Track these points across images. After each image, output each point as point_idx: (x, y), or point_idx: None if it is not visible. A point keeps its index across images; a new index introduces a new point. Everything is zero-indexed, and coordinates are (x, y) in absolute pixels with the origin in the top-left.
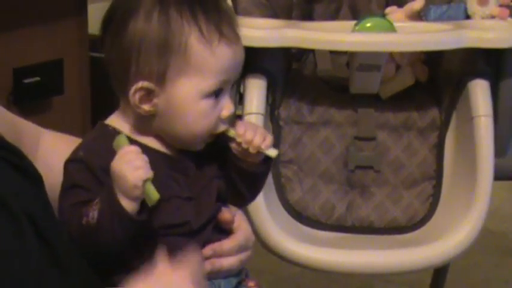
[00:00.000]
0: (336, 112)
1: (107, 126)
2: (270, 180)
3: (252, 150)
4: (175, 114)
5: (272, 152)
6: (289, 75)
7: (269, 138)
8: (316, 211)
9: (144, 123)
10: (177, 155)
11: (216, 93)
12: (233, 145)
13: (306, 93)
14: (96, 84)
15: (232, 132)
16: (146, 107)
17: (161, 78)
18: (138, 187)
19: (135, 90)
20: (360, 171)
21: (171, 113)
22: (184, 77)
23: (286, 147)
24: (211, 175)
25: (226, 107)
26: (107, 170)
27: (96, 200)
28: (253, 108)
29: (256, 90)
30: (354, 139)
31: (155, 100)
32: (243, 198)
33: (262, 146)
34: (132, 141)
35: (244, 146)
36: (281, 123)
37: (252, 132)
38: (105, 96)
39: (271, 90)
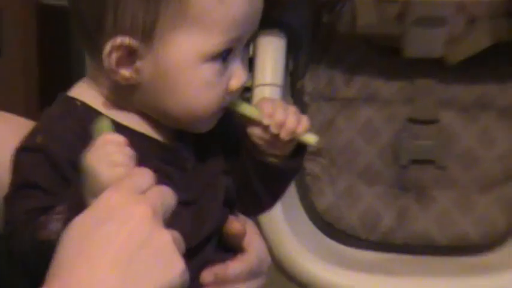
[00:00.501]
0: (383, 84)
1: (73, 100)
2: None
3: (284, 136)
4: (166, 84)
5: (311, 139)
6: (318, 32)
7: (305, 120)
8: (354, 222)
9: (123, 96)
10: (171, 141)
11: (224, 56)
12: (254, 130)
13: (340, 58)
14: (45, 43)
15: (251, 111)
16: (126, 72)
17: (148, 34)
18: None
19: (111, 49)
20: (415, 168)
21: (161, 82)
22: (180, 33)
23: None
24: (216, 170)
25: (238, 75)
26: (76, 165)
27: (60, 207)
28: (267, 77)
29: (271, 52)
30: (407, 122)
31: (138, 64)
32: (258, 204)
33: (298, 131)
34: (117, 125)
35: (274, 130)
36: (306, 99)
37: (283, 112)
38: (57, 58)
39: (292, 52)
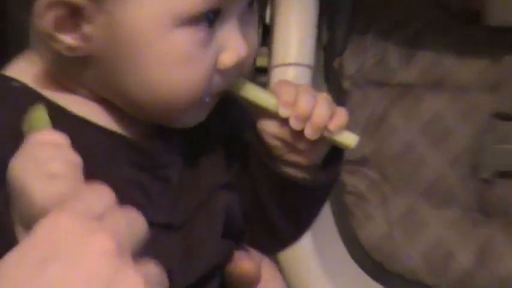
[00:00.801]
0: (457, 64)
1: (9, 80)
2: None
3: (310, 133)
4: (123, 57)
5: (349, 140)
6: None
7: (342, 113)
8: (416, 262)
9: (70, 73)
10: (146, 138)
11: (210, 18)
12: (267, 125)
13: (396, 26)
14: None
15: (263, 98)
16: (68, 39)
17: None
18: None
19: (47, 6)
20: (503, 183)
21: (117, 54)
22: None
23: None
24: (213, 182)
25: (232, 47)
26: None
27: None
28: (291, 54)
29: (296, 17)
30: (491, 118)
31: (86, 28)
32: (277, 236)
33: (331, 127)
34: (65, 115)
35: (296, 125)
36: (346, 84)
37: (309, 100)
38: None
39: (326, 19)
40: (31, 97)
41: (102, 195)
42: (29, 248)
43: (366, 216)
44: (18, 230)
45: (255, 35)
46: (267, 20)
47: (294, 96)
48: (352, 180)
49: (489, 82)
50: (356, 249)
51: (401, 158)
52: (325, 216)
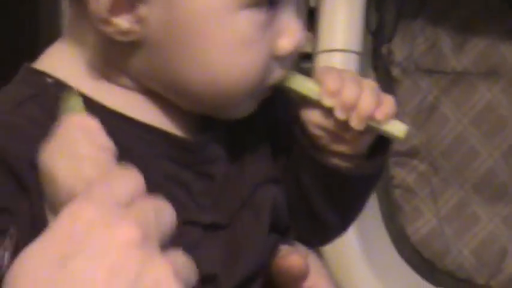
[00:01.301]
0: None
1: (42, 76)
2: None
3: (356, 123)
4: (182, 41)
5: (398, 130)
6: None
7: (389, 101)
8: (467, 260)
9: (117, 62)
10: (189, 133)
11: (271, 1)
12: (311, 114)
13: (448, 11)
14: None
15: (307, 86)
16: (123, 22)
17: None
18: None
19: None
20: None
21: (174, 38)
22: None
23: (405, 121)
24: (259, 178)
25: (290, 32)
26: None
27: (12, 229)
28: (338, 39)
29: (344, 1)
30: None
31: (143, 9)
32: (322, 228)
33: (378, 117)
34: (103, 111)
35: (341, 115)
36: (395, 72)
37: (355, 88)
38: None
39: (374, 2)
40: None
41: (130, 180)
42: (49, 242)
43: (414, 210)
44: (50, 217)
45: (305, 20)
46: (312, 3)
47: (338, 84)
48: (400, 172)
49: None
50: (404, 245)
51: (453, 149)
52: (372, 211)
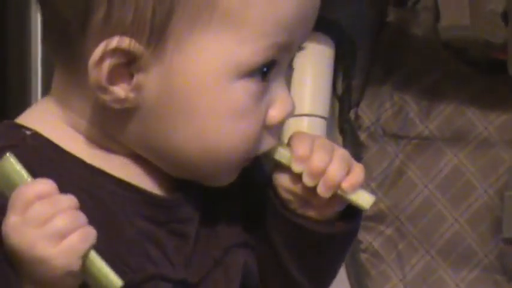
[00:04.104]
0: (479, 117)
1: (20, 128)
2: None
3: (323, 192)
4: (178, 110)
5: (364, 201)
6: (381, 38)
7: (358, 171)
8: None
9: (109, 128)
10: (165, 191)
11: (264, 72)
12: (281, 178)
13: (415, 77)
14: None
15: (279, 152)
16: (121, 90)
17: (158, 34)
18: (73, 272)
19: (103, 55)
20: None
21: (170, 107)
22: (206, 34)
23: (371, 186)
24: (231, 240)
25: (281, 103)
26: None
27: None
28: (306, 104)
29: (312, 66)
30: None
31: (140, 77)
32: None
33: (345, 186)
34: (71, 159)
35: (308, 182)
36: (362, 136)
37: (325, 155)
38: None
39: (342, 66)
40: (44, 147)
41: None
42: None
43: (381, 275)
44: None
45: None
46: None
47: (308, 150)
48: (367, 237)
49: None
50: None
51: (419, 214)
52: (339, 275)
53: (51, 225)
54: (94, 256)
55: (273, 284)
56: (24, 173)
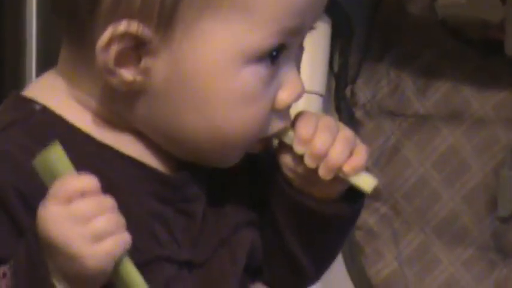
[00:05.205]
0: (475, 95)
1: (29, 101)
2: None
3: (324, 173)
4: (186, 94)
5: (366, 183)
6: (378, 16)
7: (362, 154)
8: None
9: (117, 109)
10: (173, 170)
11: (274, 56)
12: (285, 158)
13: (412, 54)
14: None
15: (287, 135)
16: (128, 74)
17: (167, 19)
18: (104, 274)
19: (111, 39)
20: None
21: (178, 91)
22: (215, 19)
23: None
24: (238, 219)
25: (291, 86)
26: (28, 199)
27: (4, 266)
28: (304, 80)
29: (308, 44)
30: (511, 152)
31: (148, 61)
32: (296, 272)
33: (346, 169)
34: (82, 138)
35: (310, 163)
36: (358, 113)
37: (328, 137)
38: None
39: (338, 44)
40: (53, 121)
41: None
42: None
43: (375, 252)
44: (58, 282)
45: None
46: None
47: (311, 132)
48: (362, 214)
49: (509, 115)
50: (365, 287)
51: (414, 192)
52: None
53: (92, 225)
54: (126, 260)
55: (275, 263)
56: (70, 164)
